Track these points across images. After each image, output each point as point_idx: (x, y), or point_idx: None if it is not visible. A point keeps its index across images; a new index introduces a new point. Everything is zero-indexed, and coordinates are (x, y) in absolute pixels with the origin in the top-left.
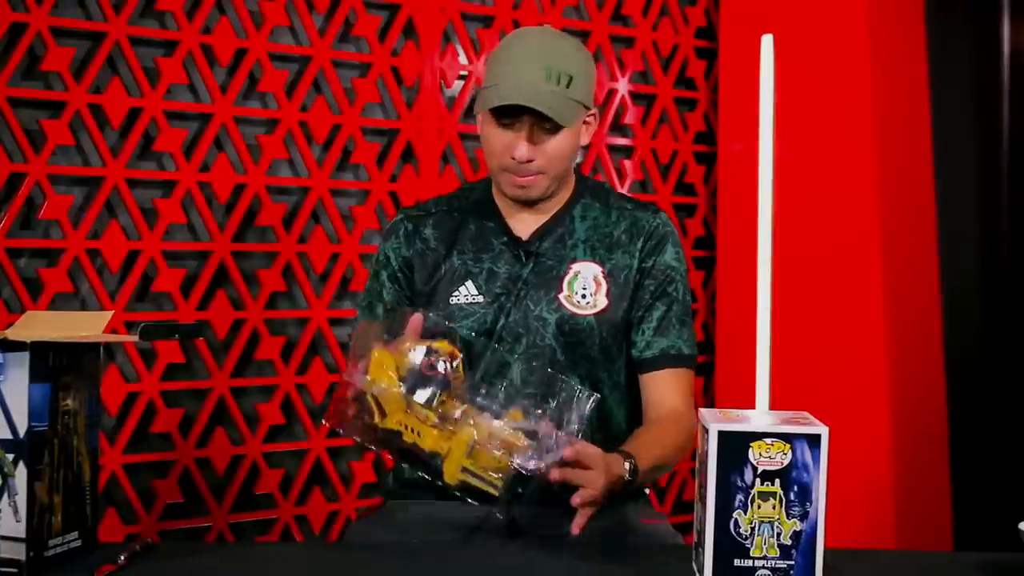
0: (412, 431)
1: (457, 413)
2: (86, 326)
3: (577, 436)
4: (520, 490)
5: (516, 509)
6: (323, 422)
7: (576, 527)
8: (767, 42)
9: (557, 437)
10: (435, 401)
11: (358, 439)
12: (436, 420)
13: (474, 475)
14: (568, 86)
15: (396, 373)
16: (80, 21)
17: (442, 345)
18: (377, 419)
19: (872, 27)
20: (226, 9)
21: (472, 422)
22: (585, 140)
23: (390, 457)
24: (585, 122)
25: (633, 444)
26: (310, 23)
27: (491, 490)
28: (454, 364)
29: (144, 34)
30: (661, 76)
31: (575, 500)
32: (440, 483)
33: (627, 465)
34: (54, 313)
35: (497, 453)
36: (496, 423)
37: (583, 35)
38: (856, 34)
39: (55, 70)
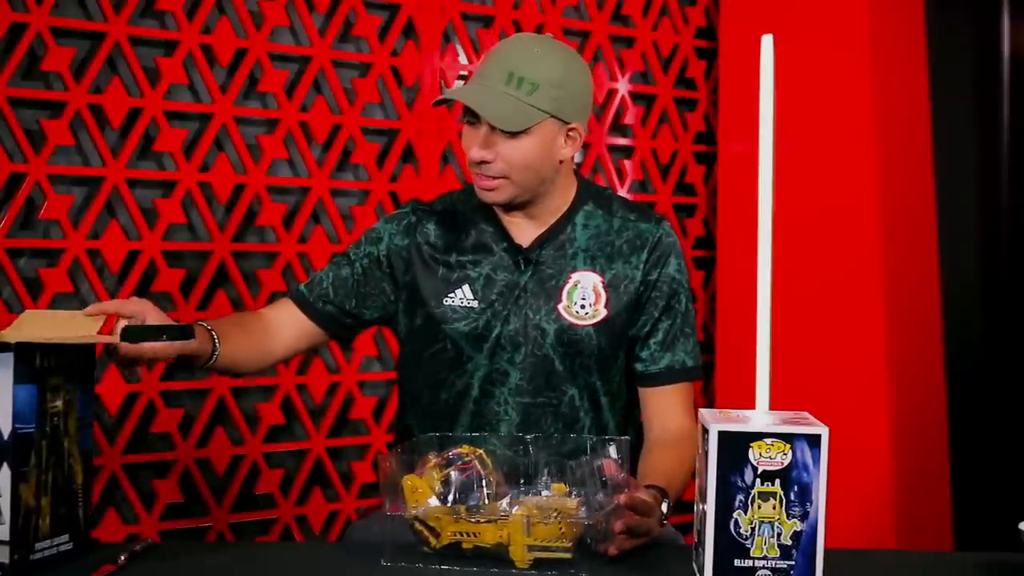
0: (469, 535)
1: (503, 503)
2: (83, 326)
3: (619, 485)
4: (589, 541)
5: (594, 563)
6: (383, 562)
7: (615, 548)
8: (767, 42)
9: (601, 492)
10: (478, 500)
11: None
12: (488, 516)
13: (542, 549)
14: (530, 93)
15: (432, 491)
16: (80, 21)
17: (463, 449)
18: (433, 542)
19: (872, 27)
20: (226, 9)
21: (519, 503)
22: (565, 154)
23: None
24: (568, 136)
25: (662, 476)
26: (310, 23)
27: (564, 555)
28: (481, 460)
29: (144, 34)
30: (661, 76)
31: (626, 545)
32: (516, 572)
33: (664, 507)
34: (53, 312)
35: (553, 522)
36: (540, 498)
37: (583, 35)
38: (856, 34)
39: (55, 70)
